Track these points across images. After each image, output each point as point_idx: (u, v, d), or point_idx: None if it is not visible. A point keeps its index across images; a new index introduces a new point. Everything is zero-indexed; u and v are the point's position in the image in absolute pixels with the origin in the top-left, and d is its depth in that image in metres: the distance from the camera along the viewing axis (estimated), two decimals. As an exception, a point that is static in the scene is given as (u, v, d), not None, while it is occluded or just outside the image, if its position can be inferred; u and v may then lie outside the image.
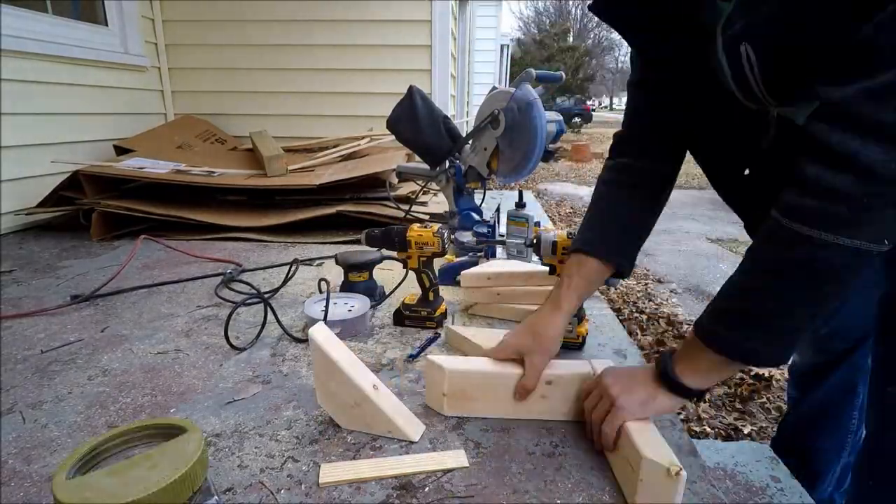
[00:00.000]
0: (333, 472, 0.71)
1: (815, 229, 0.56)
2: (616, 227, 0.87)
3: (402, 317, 1.18)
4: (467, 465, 0.73)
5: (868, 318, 0.95)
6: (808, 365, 1.11)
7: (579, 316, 1.05)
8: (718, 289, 0.68)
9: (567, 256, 1.01)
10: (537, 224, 1.44)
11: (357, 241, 1.88)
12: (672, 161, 0.88)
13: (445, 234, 1.12)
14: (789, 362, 1.20)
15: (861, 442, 0.99)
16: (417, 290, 1.18)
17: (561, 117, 1.60)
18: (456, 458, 0.74)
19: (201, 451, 0.56)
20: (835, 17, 0.53)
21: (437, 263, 1.47)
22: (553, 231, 1.04)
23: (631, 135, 0.91)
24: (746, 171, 0.75)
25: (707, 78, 0.69)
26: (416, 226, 1.13)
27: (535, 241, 1.05)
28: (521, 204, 1.48)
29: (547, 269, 1.10)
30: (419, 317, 1.17)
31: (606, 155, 0.95)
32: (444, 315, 1.20)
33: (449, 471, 0.72)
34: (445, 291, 1.39)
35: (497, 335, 0.95)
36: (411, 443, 0.78)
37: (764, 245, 0.63)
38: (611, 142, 0.94)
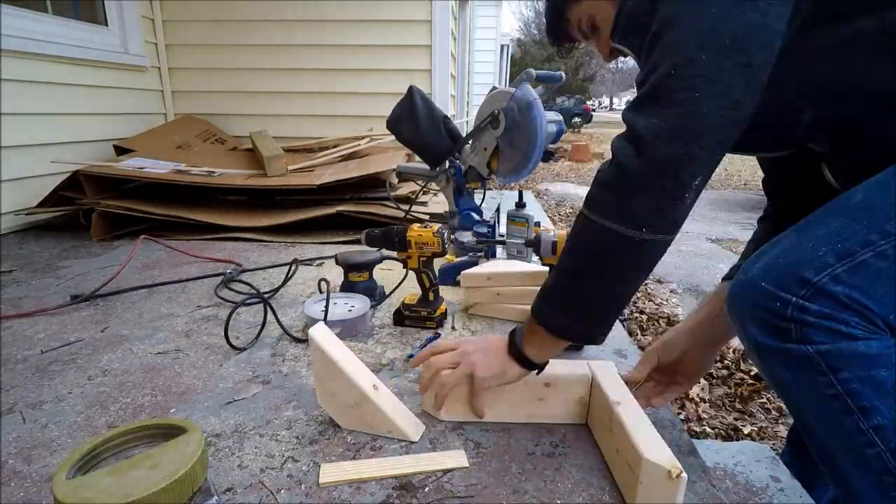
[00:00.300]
0: (333, 472, 0.71)
1: (592, 213, 0.64)
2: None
3: (402, 317, 1.18)
4: (467, 465, 0.73)
5: None
6: None
7: None
8: None
9: None
10: (537, 224, 1.44)
11: (357, 241, 1.88)
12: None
13: (445, 234, 1.13)
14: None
15: None
16: (417, 291, 1.18)
17: (561, 117, 1.60)
18: (456, 458, 0.74)
19: (201, 451, 0.56)
20: None
21: (437, 263, 1.47)
22: (553, 231, 1.03)
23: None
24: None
25: None
26: (416, 226, 1.13)
27: (535, 240, 1.05)
28: (521, 204, 1.48)
29: (547, 269, 1.10)
30: (419, 317, 1.17)
31: (607, 156, 0.95)
32: (444, 315, 1.20)
33: (449, 471, 0.72)
34: (445, 291, 1.39)
35: None
36: (411, 443, 0.78)
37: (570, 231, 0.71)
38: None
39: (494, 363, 0.76)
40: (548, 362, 0.78)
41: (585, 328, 0.71)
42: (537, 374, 0.79)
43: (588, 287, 0.68)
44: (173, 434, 0.60)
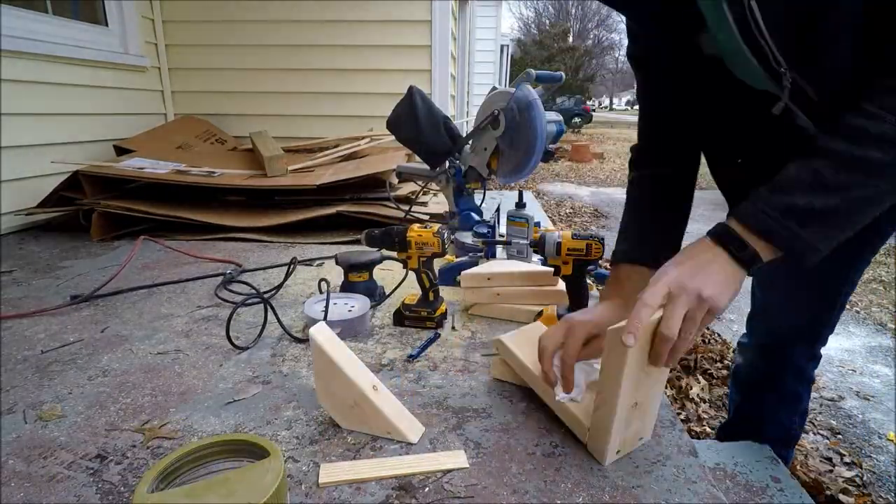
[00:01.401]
0: (333, 472, 0.71)
1: None
2: (654, 236, 0.87)
3: (402, 317, 1.18)
4: (467, 465, 0.73)
5: (806, 326, 1.00)
6: (752, 370, 1.14)
7: None
8: None
9: (571, 257, 1.02)
10: (537, 224, 1.44)
11: (357, 241, 1.88)
12: (689, 163, 0.90)
13: (445, 235, 1.12)
14: (733, 367, 1.24)
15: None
16: (417, 291, 1.18)
17: (561, 117, 1.60)
18: (456, 458, 0.74)
19: (279, 482, 0.55)
20: None
21: (437, 264, 1.48)
22: (557, 231, 1.03)
23: (647, 145, 0.92)
24: (739, 160, 0.77)
25: (707, 65, 0.71)
26: (416, 226, 1.13)
27: (539, 241, 1.05)
28: (521, 204, 1.48)
29: (547, 268, 1.10)
30: (419, 317, 1.17)
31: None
32: (444, 315, 1.20)
33: (449, 471, 0.72)
34: (445, 292, 1.39)
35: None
36: (410, 444, 0.78)
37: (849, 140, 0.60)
38: (629, 155, 0.96)
39: (721, 279, 0.62)
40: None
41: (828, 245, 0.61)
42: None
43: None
44: (256, 453, 0.60)
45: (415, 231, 1.12)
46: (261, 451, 0.60)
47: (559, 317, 1.05)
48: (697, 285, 0.61)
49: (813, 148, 0.62)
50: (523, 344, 0.88)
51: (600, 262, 1.10)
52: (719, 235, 0.65)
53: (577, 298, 1.08)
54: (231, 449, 0.62)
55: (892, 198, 0.60)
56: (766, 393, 1.13)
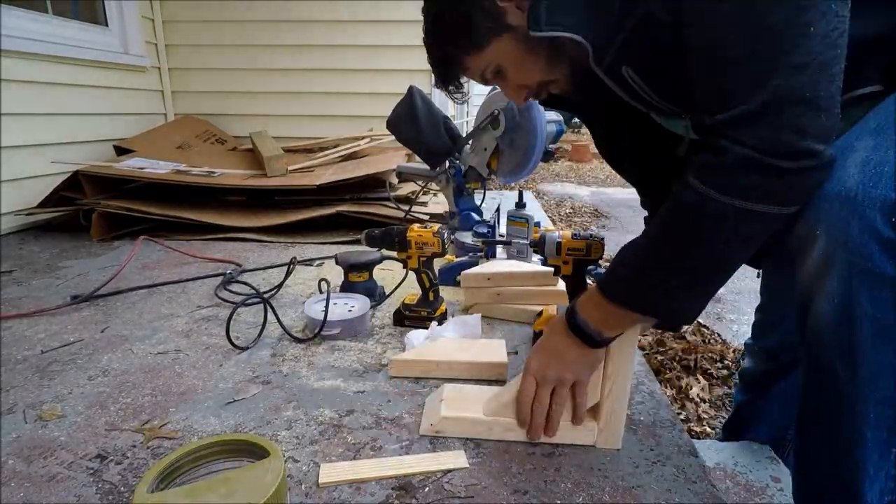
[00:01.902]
0: (333, 472, 0.71)
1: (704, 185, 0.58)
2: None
3: (403, 317, 1.18)
4: (467, 465, 0.73)
5: None
6: (757, 372, 1.14)
7: None
8: None
9: (571, 257, 1.01)
10: (537, 224, 1.44)
11: (357, 241, 1.88)
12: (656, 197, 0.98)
13: (445, 235, 1.12)
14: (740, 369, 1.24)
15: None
16: (417, 291, 1.18)
17: (561, 117, 1.61)
18: (456, 458, 0.74)
19: (279, 482, 0.55)
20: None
21: (437, 264, 1.48)
22: (557, 232, 1.02)
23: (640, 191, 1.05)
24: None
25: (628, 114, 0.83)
26: (416, 226, 1.13)
27: (539, 241, 1.04)
28: (521, 204, 1.48)
29: (547, 268, 1.09)
30: (419, 317, 1.17)
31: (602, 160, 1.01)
32: (445, 315, 1.20)
33: (449, 471, 0.72)
34: (445, 291, 1.39)
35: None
36: (410, 443, 0.78)
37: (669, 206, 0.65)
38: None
39: (576, 360, 0.73)
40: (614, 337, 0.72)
41: (688, 307, 0.65)
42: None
43: (696, 260, 0.62)
44: (256, 453, 0.60)
45: (415, 231, 1.12)
46: (261, 451, 0.60)
47: None
48: (557, 373, 0.74)
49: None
50: (459, 402, 0.83)
51: (600, 262, 1.10)
52: (568, 323, 0.72)
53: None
54: (231, 449, 0.62)
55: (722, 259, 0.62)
56: (768, 394, 1.13)
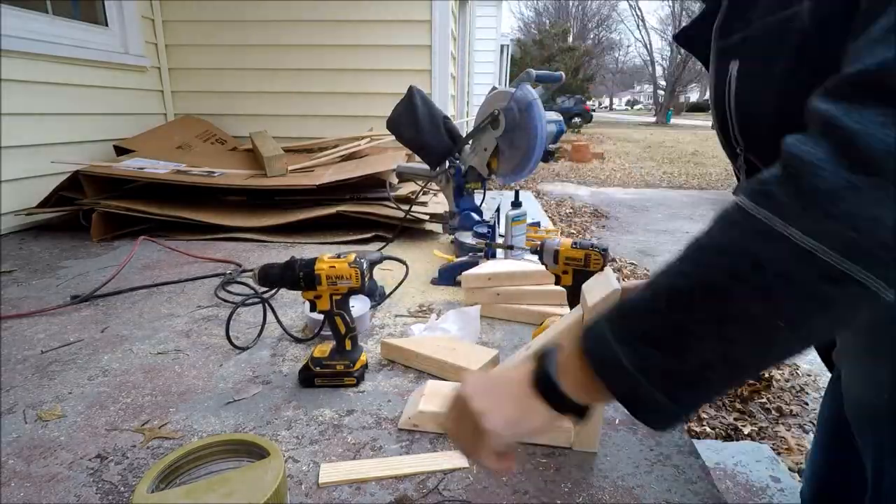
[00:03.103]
0: (333, 472, 0.71)
1: (760, 208, 0.38)
2: None
3: (312, 375, 0.93)
4: (467, 465, 0.73)
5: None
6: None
7: None
8: None
9: (570, 266, 0.98)
10: (537, 224, 1.44)
11: (358, 241, 1.88)
12: None
13: (365, 266, 0.92)
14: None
15: None
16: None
17: (561, 117, 1.61)
18: (455, 459, 0.74)
19: (279, 482, 0.55)
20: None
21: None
22: (557, 239, 1.00)
23: None
24: None
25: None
26: (327, 256, 0.92)
27: (539, 248, 1.01)
28: (517, 203, 1.49)
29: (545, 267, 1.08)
30: (334, 373, 0.93)
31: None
32: (366, 367, 0.99)
33: (449, 471, 0.72)
34: (445, 291, 1.39)
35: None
36: (413, 441, 0.78)
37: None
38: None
39: (510, 412, 0.49)
40: (590, 409, 0.48)
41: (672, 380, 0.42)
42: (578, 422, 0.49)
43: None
44: (256, 453, 0.60)
45: (325, 262, 0.90)
46: (261, 451, 0.60)
47: None
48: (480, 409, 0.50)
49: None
50: (436, 398, 0.83)
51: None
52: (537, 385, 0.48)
53: None
54: (231, 449, 0.62)
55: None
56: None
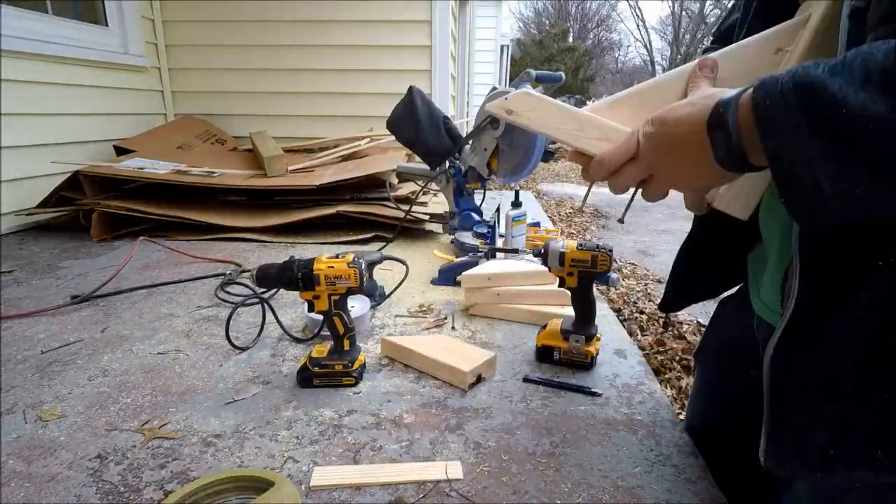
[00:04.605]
0: (326, 475, 0.71)
1: None
2: None
3: (311, 375, 0.94)
4: (461, 476, 0.71)
5: None
6: None
7: (589, 335, 0.99)
8: None
9: (576, 269, 0.97)
10: (537, 224, 1.45)
11: (358, 242, 1.88)
12: None
13: (363, 265, 0.93)
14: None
15: None
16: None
17: (561, 117, 1.60)
18: (451, 469, 0.72)
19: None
20: None
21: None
22: (561, 241, 1.00)
23: None
24: None
25: None
26: (325, 256, 0.93)
27: (542, 251, 1.01)
28: (517, 203, 1.49)
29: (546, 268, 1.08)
30: (333, 373, 0.94)
31: None
32: (364, 367, 0.99)
33: (444, 482, 0.72)
34: (445, 291, 1.39)
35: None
36: (412, 442, 0.78)
37: None
38: None
39: (695, 176, 0.52)
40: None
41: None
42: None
43: None
44: (262, 489, 0.61)
45: (323, 262, 0.91)
46: (266, 485, 0.61)
47: (563, 332, 1.02)
48: (671, 179, 0.56)
49: None
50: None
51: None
52: (712, 123, 0.47)
53: (584, 313, 1.01)
54: (240, 486, 0.63)
55: None
56: None
